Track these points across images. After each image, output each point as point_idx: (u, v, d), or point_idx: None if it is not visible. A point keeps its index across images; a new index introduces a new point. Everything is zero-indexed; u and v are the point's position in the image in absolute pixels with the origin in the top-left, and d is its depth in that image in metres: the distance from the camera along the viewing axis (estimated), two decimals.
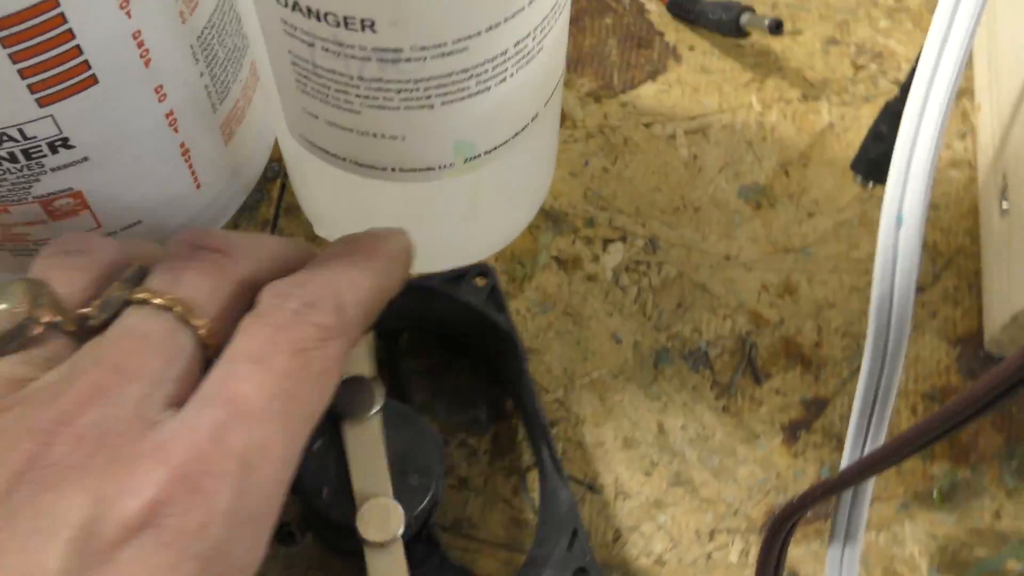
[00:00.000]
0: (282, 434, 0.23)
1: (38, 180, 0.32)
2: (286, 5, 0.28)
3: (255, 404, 0.23)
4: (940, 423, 0.26)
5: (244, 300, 0.26)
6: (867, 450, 0.31)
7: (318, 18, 0.28)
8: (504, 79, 0.32)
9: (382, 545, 0.28)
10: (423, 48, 0.29)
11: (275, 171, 0.43)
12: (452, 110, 0.32)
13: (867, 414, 0.30)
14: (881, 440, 0.31)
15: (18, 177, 0.32)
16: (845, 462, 0.32)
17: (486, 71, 0.31)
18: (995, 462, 0.39)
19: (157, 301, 0.24)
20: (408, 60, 0.29)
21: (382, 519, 0.28)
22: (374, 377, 0.31)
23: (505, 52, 0.31)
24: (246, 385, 0.23)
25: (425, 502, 0.29)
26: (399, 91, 0.31)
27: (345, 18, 0.28)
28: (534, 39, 0.31)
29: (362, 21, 0.28)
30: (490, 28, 0.29)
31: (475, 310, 0.36)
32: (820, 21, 0.49)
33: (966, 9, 0.23)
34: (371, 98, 0.31)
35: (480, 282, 0.37)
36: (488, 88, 0.32)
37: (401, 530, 0.29)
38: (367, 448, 0.29)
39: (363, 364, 0.31)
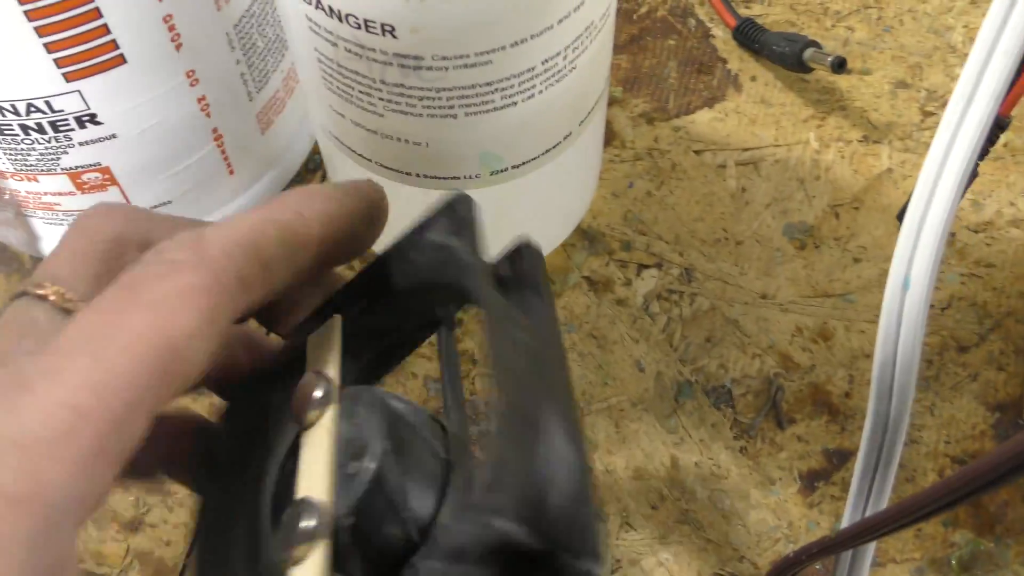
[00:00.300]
0: (95, 368, 0.20)
1: (66, 152, 0.33)
2: (310, 3, 0.28)
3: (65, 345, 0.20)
4: (944, 494, 0.25)
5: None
6: (868, 512, 0.30)
7: (340, 19, 0.28)
8: (532, 95, 0.31)
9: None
10: (444, 58, 0.29)
11: (316, 163, 0.43)
12: (476, 122, 0.31)
13: (869, 477, 0.29)
14: (883, 504, 0.29)
15: (46, 148, 0.32)
16: (845, 522, 0.31)
17: (512, 86, 0.30)
18: (1022, 537, 0.38)
19: (37, 291, 0.22)
20: (429, 68, 0.29)
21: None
22: (320, 373, 0.24)
23: (532, 69, 0.30)
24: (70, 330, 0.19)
25: (363, 491, 0.22)
26: (421, 98, 0.30)
27: (366, 21, 0.28)
28: (565, 58, 0.31)
29: (382, 26, 0.28)
30: (515, 44, 0.29)
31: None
32: (892, 62, 0.48)
33: (993, 70, 0.22)
34: (394, 103, 0.31)
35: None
36: (515, 103, 0.31)
37: (312, 524, 0.23)
38: (315, 451, 0.25)
39: (325, 358, 0.26)
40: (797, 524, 0.38)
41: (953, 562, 0.37)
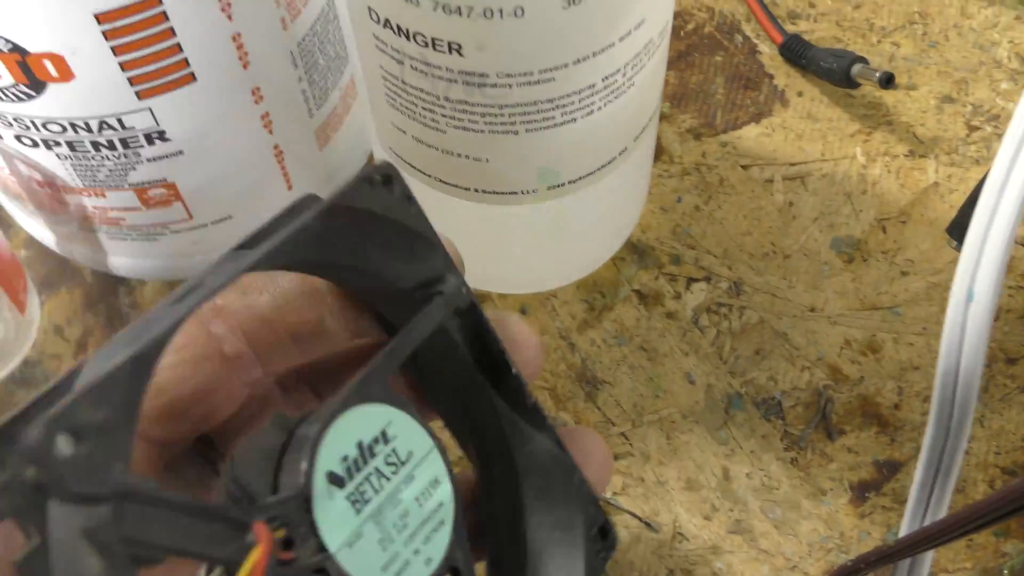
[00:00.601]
0: None
1: (134, 169, 0.34)
2: (378, 22, 0.29)
3: None
4: (1006, 501, 0.25)
5: None
6: (927, 521, 0.30)
7: (407, 37, 0.29)
8: (591, 112, 0.32)
9: None
10: (509, 75, 0.29)
11: None
12: (536, 138, 0.32)
13: (928, 486, 0.29)
14: (943, 512, 0.30)
15: (115, 164, 0.33)
16: (904, 531, 0.31)
17: (572, 103, 0.31)
18: None
19: None
20: (494, 86, 0.30)
21: None
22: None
23: (593, 86, 0.31)
24: None
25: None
26: (484, 115, 0.31)
27: (433, 39, 0.28)
28: (624, 75, 0.31)
29: (449, 44, 0.28)
30: (577, 61, 0.29)
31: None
32: (938, 77, 0.48)
33: None
34: (456, 119, 0.31)
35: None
36: (574, 119, 0.32)
37: None
38: None
39: None
40: (848, 534, 0.38)
41: (1005, 572, 0.38)
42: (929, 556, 0.31)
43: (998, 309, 0.42)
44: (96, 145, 0.33)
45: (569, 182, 0.35)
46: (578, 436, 0.26)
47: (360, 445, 0.22)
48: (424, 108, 0.31)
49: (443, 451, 0.23)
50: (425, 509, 0.23)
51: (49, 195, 0.36)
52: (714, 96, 0.47)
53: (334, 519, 0.21)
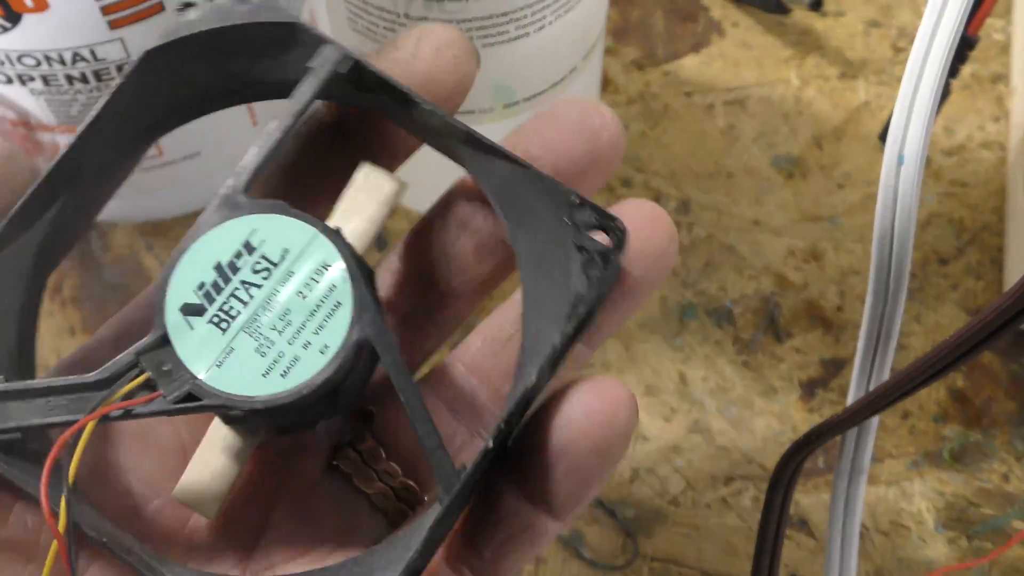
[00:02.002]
0: None
1: None
2: None
3: None
4: (942, 356, 0.28)
5: None
6: (871, 388, 0.32)
7: None
8: (543, 26, 0.34)
9: None
10: None
11: None
12: (492, 53, 0.34)
13: (871, 353, 0.32)
14: (885, 379, 0.32)
15: (88, 98, 0.35)
16: (850, 399, 0.33)
17: (525, 16, 0.33)
18: (1007, 427, 0.41)
19: None
20: (452, 0, 0.31)
21: None
22: None
23: None
24: None
25: None
26: None
27: None
28: None
29: None
30: None
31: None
32: (864, 4, 0.50)
33: None
34: None
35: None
36: (527, 34, 0.34)
37: None
38: None
39: None
40: (800, 428, 0.41)
41: (945, 454, 0.40)
42: (874, 424, 0.33)
43: (929, 216, 0.44)
44: (70, 78, 0.34)
45: (524, 100, 0.37)
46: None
47: (218, 267, 0.22)
48: (385, 28, 0.33)
49: (332, 231, 0.22)
50: (311, 299, 0.22)
51: (23, 135, 0.37)
52: (654, 29, 0.49)
53: (197, 346, 0.22)
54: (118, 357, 0.22)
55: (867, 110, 0.47)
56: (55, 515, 0.21)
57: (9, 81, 0.34)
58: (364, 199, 0.24)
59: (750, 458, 0.40)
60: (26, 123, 0.36)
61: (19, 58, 0.33)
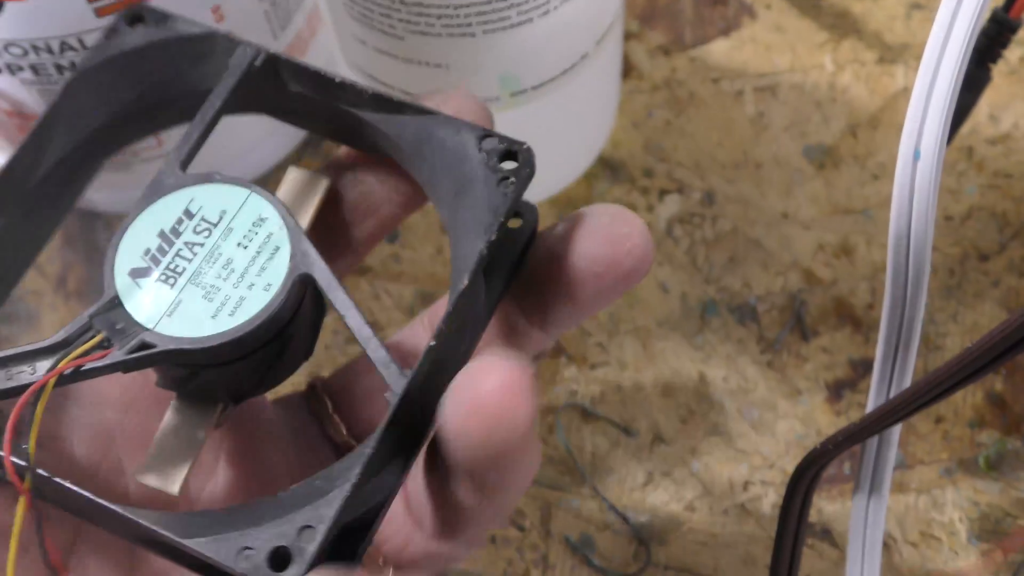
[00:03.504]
0: None
1: None
2: None
3: None
4: (962, 367, 0.26)
5: None
6: (891, 395, 0.30)
7: None
8: (547, 11, 0.32)
9: None
10: None
11: None
12: (494, 40, 0.32)
13: (890, 359, 0.30)
14: (906, 385, 0.30)
15: None
16: (870, 407, 0.31)
17: (527, 1, 0.31)
18: None
19: None
20: None
21: None
22: None
23: None
24: None
25: None
26: (439, 17, 0.31)
27: None
28: None
29: None
30: None
31: None
32: None
33: None
34: (413, 23, 0.32)
35: None
36: (531, 19, 0.32)
37: None
38: None
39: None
40: (825, 431, 0.39)
41: (981, 461, 0.38)
42: (896, 433, 0.31)
43: (969, 209, 0.42)
44: (59, 68, 0.33)
45: (531, 88, 0.35)
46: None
47: (162, 233, 0.24)
48: (381, 14, 0.32)
49: (264, 190, 0.25)
50: (251, 248, 0.24)
51: (18, 126, 0.36)
52: (683, 13, 0.47)
53: (148, 303, 0.23)
54: (72, 322, 0.23)
55: (905, 97, 0.45)
56: (20, 476, 0.22)
57: None
58: (296, 195, 0.27)
59: (771, 463, 0.38)
60: (19, 113, 0.35)
61: (6, 47, 0.32)
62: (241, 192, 0.25)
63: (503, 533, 0.37)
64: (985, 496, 0.37)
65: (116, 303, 0.23)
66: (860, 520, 0.33)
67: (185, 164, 0.25)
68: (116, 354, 0.23)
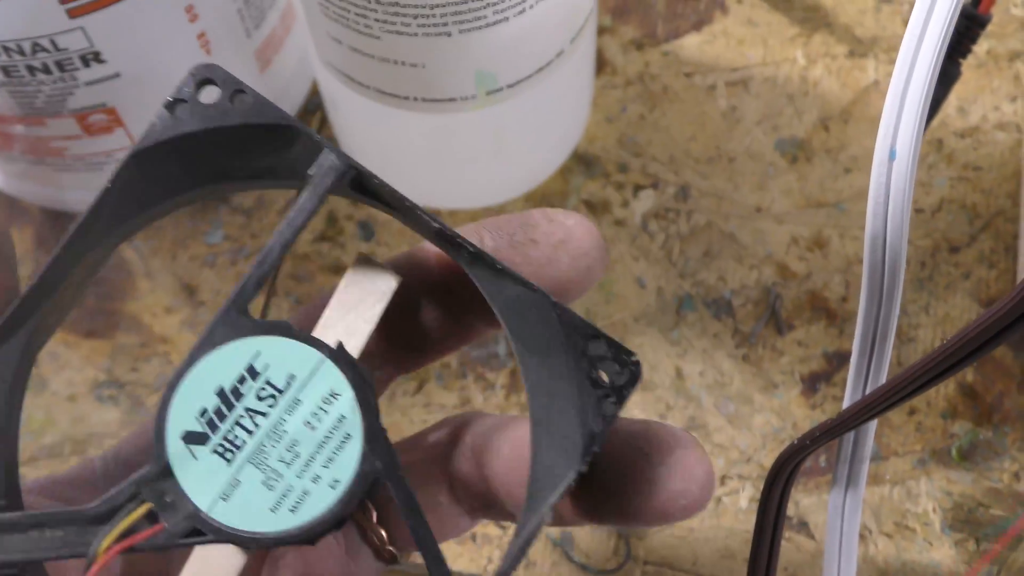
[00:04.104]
0: None
1: (72, 94, 0.34)
2: None
3: None
4: (938, 361, 0.26)
5: None
6: (867, 391, 0.31)
7: None
8: (523, 10, 0.32)
9: None
10: None
11: (315, 104, 0.44)
12: (470, 39, 0.32)
13: (866, 354, 0.30)
14: (882, 381, 0.30)
15: (53, 89, 0.33)
16: (846, 403, 0.32)
17: (503, 0, 0.31)
18: (1018, 424, 0.39)
19: None
20: None
21: None
22: None
23: None
24: None
25: None
26: (415, 16, 0.31)
27: None
28: None
29: None
30: None
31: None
32: None
33: None
34: (389, 23, 0.31)
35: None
36: (506, 18, 0.32)
37: None
38: None
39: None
40: (801, 424, 0.39)
41: (953, 452, 0.38)
42: (872, 428, 0.32)
43: (940, 201, 0.43)
44: (31, 69, 0.33)
45: (507, 86, 0.35)
46: (659, 442, 0.23)
47: (221, 392, 0.21)
48: (357, 13, 0.32)
49: (340, 357, 0.22)
50: (320, 431, 0.21)
51: None
52: (655, 7, 0.47)
53: (201, 477, 0.21)
54: (117, 488, 0.21)
55: (877, 90, 0.45)
56: None
57: None
58: (359, 296, 0.23)
59: (748, 456, 0.39)
60: None
61: None
62: (312, 356, 0.21)
63: (484, 530, 0.38)
64: (958, 486, 0.38)
65: (167, 472, 0.21)
66: (837, 514, 0.33)
67: (247, 303, 0.22)
68: (165, 535, 0.21)
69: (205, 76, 0.22)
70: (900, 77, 0.25)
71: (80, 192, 0.39)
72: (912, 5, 0.46)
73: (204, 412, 0.21)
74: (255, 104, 0.22)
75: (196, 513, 0.21)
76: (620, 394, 0.22)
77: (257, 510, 0.21)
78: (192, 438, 0.21)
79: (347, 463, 0.21)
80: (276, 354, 0.21)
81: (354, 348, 0.22)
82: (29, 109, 0.34)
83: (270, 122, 0.22)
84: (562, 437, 0.22)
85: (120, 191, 0.22)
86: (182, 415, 0.21)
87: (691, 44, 0.47)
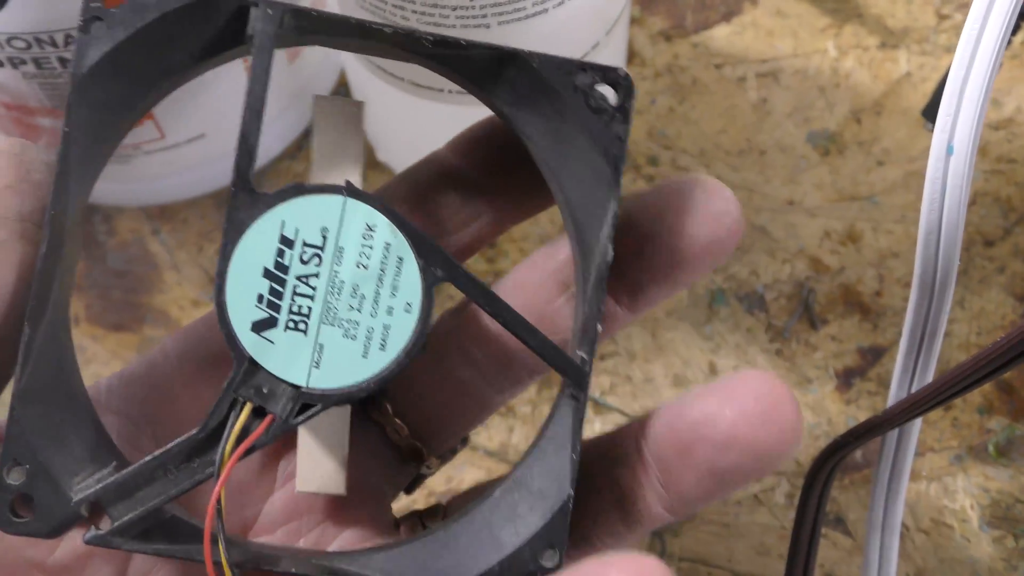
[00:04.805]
0: None
1: None
2: None
3: None
4: (989, 360, 0.26)
5: None
6: (914, 388, 0.30)
7: None
8: (562, 2, 0.32)
9: None
10: None
11: (343, 95, 0.44)
12: (508, 31, 0.32)
13: (914, 352, 0.30)
14: (929, 379, 0.30)
15: None
16: (891, 400, 0.31)
17: None
18: None
19: None
20: None
21: None
22: None
23: None
24: None
25: None
26: (455, 8, 0.31)
27: None
28: None
29: None
30: None
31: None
32: None
33: None
34: (427, 15, 0.31)
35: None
36: (545, 10, 0.32)
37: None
38: None
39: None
40: (836, 420, 0.39)
41: (990, 448, 0.38)
42: (917, 426, 0.31)
43: (974, 194, 0.42)
44: (63, 61, 0.32)
45: None
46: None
47: (267, 272, 0.21)
48: (395, 5, 0.31)
49: (357, 191, 0.22)
50: (373, 266, 0.22)
51: (18, 119, 0.36)
52: None
53: (285, 356, 0.21)
54: (215, 403, 0.21)
55: (909, 82, 0.45)
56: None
57: (0, 65, 0.33)
58: (337, 133, 0.24)
59: None
60: (21, 107, 0.34)
61: (8, 40, 0.31)
62: (334, 201, 0.21)
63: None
64: (995, 483, 0.38)
65: (254, 366, 0.21)
66: (879, 512, 0.33)
67: (250, 182, 0.21)
68: (278, 421, 0.21)
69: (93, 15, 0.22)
70: (958, 73, 0.24)
71: (107, 184, 0.39)
72: None
73: (261, 298, 0.21)
74: None
75: (297, 390, 0.21)
76: (623, 110, 0.22)
77: (350, 362, 0.21)
78: (261, 325, 0.21)
79: (411, 283, 0.22)
80: (300, 215, 0.21)
81: (357, 180, 0.23)
82: (59, 101, 0.34)
83: (186, 2, 0.21)
84: (591, 172, 0.22)
85: (78, 128, 0.21)
86: (241, 309, 0.21)
87: (720, 35, 0.46)
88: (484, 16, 0.31)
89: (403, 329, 0.21)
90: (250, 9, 0.21)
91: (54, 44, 0.32)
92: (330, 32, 0.22)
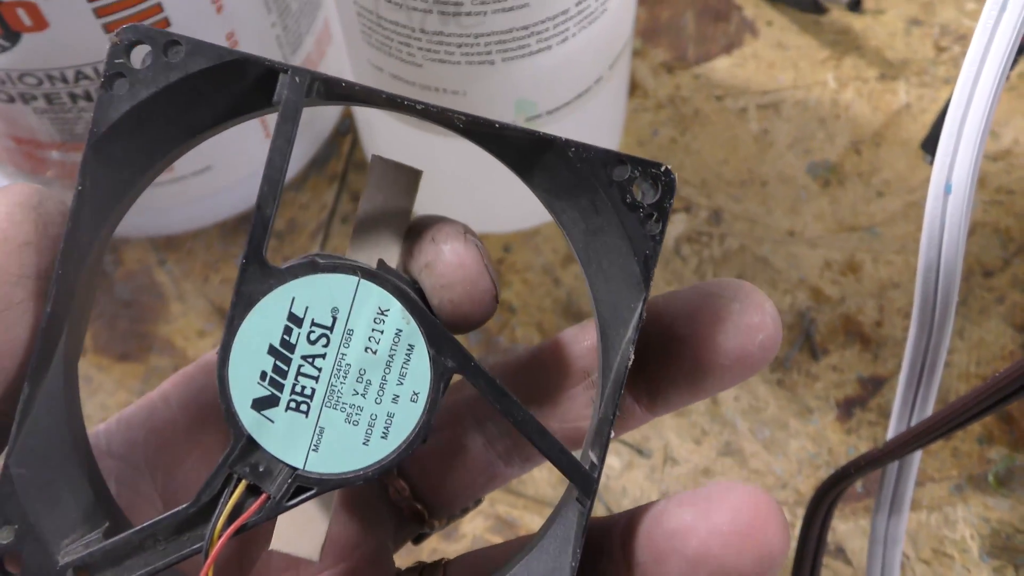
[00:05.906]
0: None
1: None
2: None
3: None
4: (989, 394, 0.26)
5: None
6: (914, 422, 0.31)
7: None
8: (566, 39, 0.32)
9: None
10: (483, 3, 0.29)
11: (347, 127, 0.44)
12: (513, 67, 0.32)
13: (914, 385, 0.30)
14: (928, 412, 0.30)
15: None
16: (891, 433, 0.32)
17: (547, 29, 0.31)
18: None
19: None
20: (468, 14, 0.30)
21: None
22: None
23: (567, 11, 0.31)
24: None
25: None
26: (460, 45, 0.31)
27: None
28: (597, 0, 0.32)
29: None
30: None
31: None
32: (904, 1, 0.48)
33: None
34: (432, 51, 0.31)
35: None
36: (549, 47, 0.32)
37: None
38: None
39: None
40: (836, 450, 0.39)
41: (990, 478, 0.38)
42: (917, 458, 0.32)
43: (973, 225, 0.43)
44: (73, 97, 0.33)
45: (546, 113, 0.35)
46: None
47: (272, 349, 0.21)
48: (400, 42, 0.32)
49: (372, 272, 0.21)
50: (382, 351, 0.21)
51: (28, 153, 0.36)
52: (685, 30, 0.48)
53: (285, 437, 0.21)
54: (209, 477, 0.21)
55: (908, 113, 0.45)
56: None
57: (11, 100, 0.33)
58: (386, 200, 0.23)
59: (784, 482, 0.39)
60: (30, 141, 0.35)
61: (20, 77, 0.32)
62: (347, 281, 0.21)
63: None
64: (995, 512, 0.38)
65: (252, 444, 0.21)
66: (879, 542, 0.33)
67: (263, 255, 0.21)
68: (271, 502, 0.21)
69: (130, 39, 0.20)
70: (957, 110, 0.25)
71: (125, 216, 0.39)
72: (941, 28, 0.46)
73: (264, 375, 0.21)
74: (192, 50, 0.20)
75: (294, 472, 0.21)
76: (660, 209, 0.21)
77: (351, 448, 0.21)
78: (262, 403, 0.21)
79: (420, 372, 0.21)
80: (311, 293, 0.21)
81: (393, 257, 0.22)
82: (69, 136, 0.34)
83: (213, 64, 0.20)
84: (619, 270, 0.21)
85: (92, 186, 0.21)
86: (243, 385, 0.21)
87: (722, 67, 0.47)
88: (489, 53, 0.31)
89: (407, 419, 0.21)
90: (279, 75, 0.21)
91: (64, 80, 0.32)
92: (358, 101, 0.22)
